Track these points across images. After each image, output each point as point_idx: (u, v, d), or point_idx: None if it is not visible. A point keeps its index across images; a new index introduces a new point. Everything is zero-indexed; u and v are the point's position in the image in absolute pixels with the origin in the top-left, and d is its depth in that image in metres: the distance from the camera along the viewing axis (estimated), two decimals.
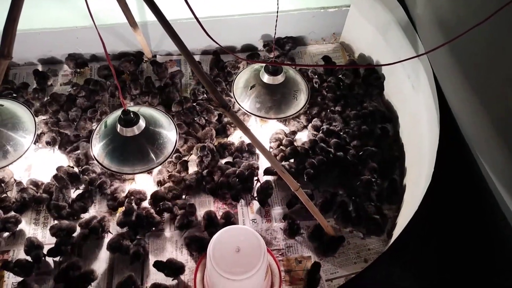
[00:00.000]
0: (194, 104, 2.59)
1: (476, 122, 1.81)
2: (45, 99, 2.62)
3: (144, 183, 2.40)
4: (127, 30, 2.54)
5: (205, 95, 2.66)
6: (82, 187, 2.35)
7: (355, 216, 2.21)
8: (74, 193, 2.32)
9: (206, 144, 2.42)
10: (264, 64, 2.25)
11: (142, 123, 1.98)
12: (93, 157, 2.01)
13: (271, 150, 2.52)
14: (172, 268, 2.06)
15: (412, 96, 2.37)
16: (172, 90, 2.67)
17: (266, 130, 2.62)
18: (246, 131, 1.63)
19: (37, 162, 2.45)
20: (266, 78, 2.21)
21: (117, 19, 2.54)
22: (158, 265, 2.06)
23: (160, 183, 2.38)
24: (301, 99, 2.28)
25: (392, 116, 2.61)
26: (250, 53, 2.92)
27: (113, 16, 2.53)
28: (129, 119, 1.94)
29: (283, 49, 2.91)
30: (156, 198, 2.28)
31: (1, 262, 2.06)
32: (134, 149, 2.01)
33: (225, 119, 2.59)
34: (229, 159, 2.49)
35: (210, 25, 2.45)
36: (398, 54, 2.50)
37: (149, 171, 2.40)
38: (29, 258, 2.07)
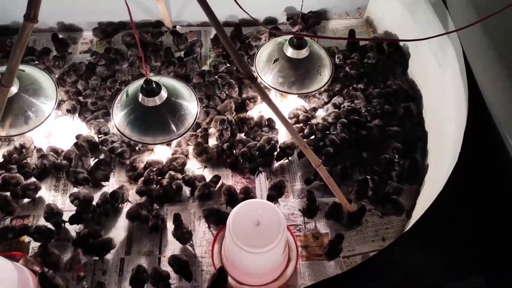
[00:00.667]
0: (216, 77, 2.54)
1: (506, 102, 1.76)
2: (65, 66, 2.60)
3: (163, 154, 2.39)
4: None
5: (226, 68, 2.61)
6: (101, 156, 2.35)
7: (374, 195, 2.19)
8: (92, 162, 2.32)
9: (225, 117, 2.40)
10: (288, 38, 2.20)
11: (164, 94, 1.96)
12: (115, 126, 2.01)
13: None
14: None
15: (437, 75, 2.31)
16: (192, 61, 2.64)
17: (286, 106, 2.58)
18: (270, 103, 1.60)
19: (57, 129, 2.45)
20: (290, 52, 2.17)
21: None
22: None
23: (173, 159, 2.36)
24: (325, 75, 2.24)
25: (416, 95, 2.55)
26: (272, 26, 2.85)
27: None
28: (151, 89, 1.92)
29: (306, 24, 2.85)
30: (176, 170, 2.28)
31: (21, 227, 2.08)
32: (155, 119, 1.99)
33: (245, 95, 2.55)
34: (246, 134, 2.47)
35: None
36: (425, 31, 2.42)
37: (168, 143, 2.39)
38: (49, 225, 2.09)
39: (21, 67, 2.12)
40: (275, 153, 2.33)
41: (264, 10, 2.89)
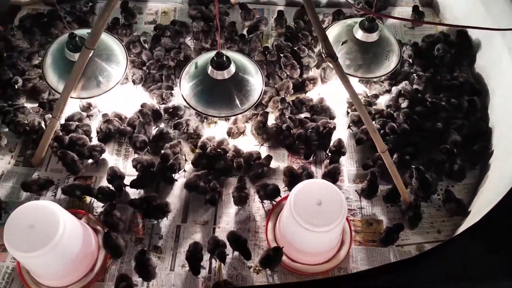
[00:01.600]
0: (282, 55, 2.54)
1: None
2: (131, 35, 2.65)
3: (220, 130, 2.42)
4: None
5: (291, 49, 2.60)
6: (162, 125, 2.40)
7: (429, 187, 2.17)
8: (154, 130, 2.37)
9: (285, 97, 2.40)
10: (358, 20, 2.17)
11: (232, 68, 1.98)
12: (182, 96, 2.04)
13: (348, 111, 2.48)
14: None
15: (511, 71, 2.23)
16: (255, 39, 2.64)
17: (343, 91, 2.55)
18: (347, 84, 1.59)
19: (120, 96, 2.50)
20: (360, 34, 2.14)
21: None
22: None
23: (230, 133, 2.39)
24: (393, 61, 2.20)
25: (482, 89, 2.48)
26: (337, 9, 2.81)
27: None
28: (221, 62, 1.94)
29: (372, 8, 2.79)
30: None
31: (86, 186, 2.17)
32: (222, 93, 2.02)
33: (305, 75, 2.54)
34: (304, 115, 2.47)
35: None
36: (498, 23, 2.34)
37: (227, 118, 2.41)
38: (111, 187, 2.17)
39: None
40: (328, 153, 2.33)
41: None
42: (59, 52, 2.10)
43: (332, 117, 2.43)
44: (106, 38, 2.22)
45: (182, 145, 2.32)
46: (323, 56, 1.63)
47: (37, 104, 2.45)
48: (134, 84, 2.49)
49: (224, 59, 1.94)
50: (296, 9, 2.80)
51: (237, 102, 2.04)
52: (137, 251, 2.02)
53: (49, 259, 1.74)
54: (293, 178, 2.17)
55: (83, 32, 2.09)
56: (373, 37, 2.13)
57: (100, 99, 2.42)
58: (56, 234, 1.68)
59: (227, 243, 2.02)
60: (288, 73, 2.53)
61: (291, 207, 1.76)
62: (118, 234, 2.02)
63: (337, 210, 1.75)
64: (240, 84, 2.04)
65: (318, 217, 1.73)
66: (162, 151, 2.25)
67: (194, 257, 1.97)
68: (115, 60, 2.16)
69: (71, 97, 1.98)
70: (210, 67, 1.96)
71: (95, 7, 2.83)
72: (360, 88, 2.55)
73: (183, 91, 2.06)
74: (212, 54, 2.03)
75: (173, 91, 2.47)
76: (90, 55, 2.03)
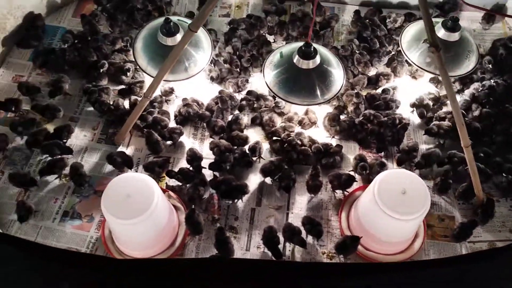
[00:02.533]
0: (357, 52, 2.60)
1: None
2: (206, 27, 2.76)
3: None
4: None
5: (363, 47, 2.66)
6: (236, 112, 2.49)
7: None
8: (230, 117, 2.46)
9: (359, 92, 2.46)
10: (439, 20, 2.22)
11: (317, 59, 2.06)
12: (266, 83, 2.12)
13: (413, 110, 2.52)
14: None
15: None
16: (327, 34, 2.71)
17: (416, 88, 2.60)
18: (445, 75, 1.64)
19: (196, 82, 2.60)
20: (441, 33, 2.19)
21: None
22: None
23: (301, 123, 2.46)
24: (472, 61, 2.24)
25: None
26: (407, 11, 2.85)
27: None
28: (308, 52, 2.02)
29: (441, 10, 2.83)
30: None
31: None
32: (305, 82, 2.10)
33: (379, 71, 2.59)
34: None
35: None
36: None
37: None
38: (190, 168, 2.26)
39: (185, 20, 2.28)
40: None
41: None
42: (150, 36, 2.22)
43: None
44: None
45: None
46: (427, 46, 1.68)
47: (117, 87, 2.56)
48: (212, 81, 2.57)
49: (312, 49, 2.02)
50: (368, 9, 2.85)
51: (318, 92, 2.12)
52: (214, 229, 2.10)
53: (142, 228, 1.84)
54: (362, 161, 2.25)
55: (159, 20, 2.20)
56: (455, 36, 2.17)
57: (178, 85, 2.54)
58: (151, 204, 1.78)
59: (302, 228, 2.09)
60: (360, 70, 2.58)
61: (375, 195, 1.81)
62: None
63: (422, 199, 1.79)
64: (323, 75, 2.11)
65: (403, 206, 1.78)
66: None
67: (272, 242, 2.04)
68: (202, 47, 2.27)
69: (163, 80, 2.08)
70: (296, 56, 2.04)
71: None
72: (429, 87, 2.59)
73: (267, 78, 2.15)
74: (297, 44, 2.12)
75: (248, 79, 2.55)
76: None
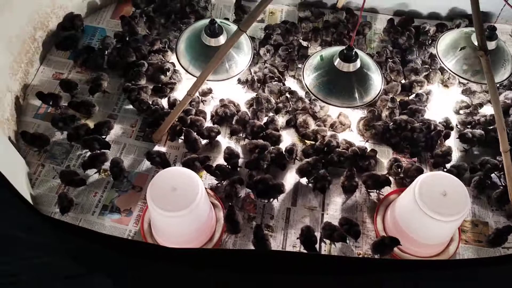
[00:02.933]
0: (390, 60, 2.66)
1: None
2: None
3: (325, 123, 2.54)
4: None
5: (396, 56, 2.72)
6: (270, 114, 2.54)
7: None
8: (264, 118, 2.51)
9: (394, 97, 2.50)
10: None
11: (358, 63, 2.10)
12: (305, 85, 2.17)
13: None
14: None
15: None
16: (360, 41, 2.77)
17: (446, 97, 2.65)
18: (491, 79, 1.68)
19: (231, 85, 2.66)
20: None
21: None
22: None
23: (333, 126, 2.50)
24: (507, 70, 2.27)
25: None
26: (439, 22, 2.91)
27: None
28: (350, 55, 2.07)
29: (471, 22, 2.87)
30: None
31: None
32: (345, 84, 2.14)
33: (413, 78, 2.63)
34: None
35: None
36: None
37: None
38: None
39: (228, 22, 2.35)
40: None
41: (428, 6, 2.98)
42: (194, 37, 2.27)
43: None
44: (234, 29, 2.39)
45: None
46: (476, 49, 1.73)
47: (152, 86, 2.62)
48: (243, 85, 2.64)
49: (353, 53, 2.07)
50: (400, 18, 2.91)
51: (357, 95, 2.16)
52: (250, 227, 2.14)
53: (186, 221, 1.88)
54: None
55: (206, 21, 2.26)
56: (492, 45, 2.22)
57: (215, 86, 2.60)
58: (197, 197, 1.82)
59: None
60: (393, 78, 2.63)
61: (416, 196, 1.84)
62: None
63: (463, 201, 1.82)
64: (363, 79, 2.15)
65: (444, 207, 1.81)
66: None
67: (309, 241, 2.07)
68: (242, 49, 2.32)
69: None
70: (338, 59, 2.09)
71: (209, 4, 3.01)
72: (460, 96, 2.64)
73: (306, 80, 2.19)
74: (336, 48, 2.17)
75: (284, 83, 2.61)
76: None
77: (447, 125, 2.47)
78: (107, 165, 2.34)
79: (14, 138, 2.40)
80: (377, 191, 2.28)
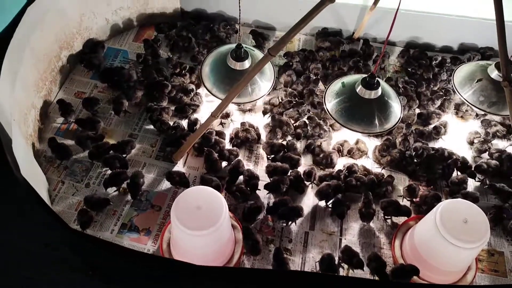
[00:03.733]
0: (401, 86, 2.74)
1: None
2: None
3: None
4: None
5: (409, 85, 2.79)
6: (287, 138, 2.58)
7: None
8: (283, 141, 2.56)
9: (410, 123, 2.56)
10: (491, 62, 2.34)
11: (379, 90, 2.15)
12: (327, 110, 2.22)
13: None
14: None
15: None
16: (378, 71, 2.84)
17: (461, 130, 2.71)
18: None
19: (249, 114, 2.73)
20: (494, 74, 2.30)
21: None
22: None
23: (350, 152, 2.55)
24: None
25: None
26: (452, 55, 3.00)
27: None
28: (372, 83, 2.13)
29: (482, 56, 2.97)
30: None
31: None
32: (366, 111, 2.19)
33: (431, 109, 2.69)
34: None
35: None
36: None
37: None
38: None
39: (253, 48, 2.42)
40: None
41: (440, 39, 3.09)
42: (219, 61, 2.34)
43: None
44: (260, 55, 2.46)
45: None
46: (501, 80, 1.80)
47: (174, 107, 2.68)
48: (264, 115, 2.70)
49: (375, 80, 2.13)
50: (414, 50, 3.00)
51: (377, 122, 2.21)
52: (269, 250, 2.15)
53: (208, 240, 1.89)
54: (412, 192, 2.34)
55: (231, 46, 2.35)
56: (511, 80, 2.28)
57: (234, 111, 2.67)
58: (221, 216, 1.84)
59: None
60: (408, 105, 2.70)
61: (437, 223, 1.87)
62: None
63: (483, 229, 1.85)
64: (383, 107, 2.20)
65: (465, 234, 1.83)
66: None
67: (331, 269, 2.08)
68: (265, 74, 2.38)
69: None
70: (360, 86, 2.15)
71: (230, 29, 3.10)
72: (474, 127, 2.71)
73: (328, 106, 2.25)
74: (358, 76, 2.24)
75: (300, 110, 2.66)
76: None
77: (465, 164, 2.50)
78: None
79: (36, 155, 2.43)
80: (392, 217, 2.31)
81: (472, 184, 2.48)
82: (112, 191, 2.36)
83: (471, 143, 2.62)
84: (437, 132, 2.59)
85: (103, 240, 2.02)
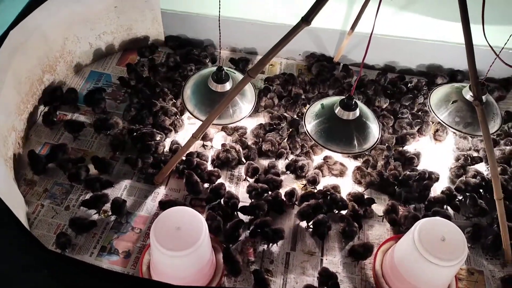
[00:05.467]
0: (384, 112, 2.81)
1: None
2: None
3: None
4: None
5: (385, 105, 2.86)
6: (273, 159, 2.61)
7: None
8: (265, 162, 2.59)
9: (390, 145, 2.61)
10: (466, 84, 2.42)
11: (357, 112, 2.20)
12: (306, 132, 2.25)
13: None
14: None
15: None
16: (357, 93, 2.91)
17: (438, 149, 2.77)
18: (486, 129, 1.79)
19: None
20: (469, 96, 2.37)
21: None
22: None
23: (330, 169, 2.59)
24: (497, 123, 2.39)
25: None
26: (427, 80, 3.08)
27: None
28: (349, 104, 2.17)
29: (451, 79, 3.07)
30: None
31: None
32: (345, 132, 2.22)
33: (405, 131, 2.75)
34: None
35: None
36: None
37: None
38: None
39: (234, 71, 2.47)
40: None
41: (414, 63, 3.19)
42: (201, 83, 2.37)
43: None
44: (240, 77, 2.50)
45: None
46: (472, 100, 1.86)
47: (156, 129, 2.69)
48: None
49: (353, 102, 2.18)
50: (392, 75, 3.09)
51: (355, 143, 2.24)
52: (250, 271, 2.15)
53: (188, 261, 1.87)
54: (393, 211, 2.38)
55: (212, 69, 2.38)
56: (482, 99, 2.35)
57: (215, 133, 2.69)
58: (200, 237, 1.83)
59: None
60: (386, 130, 2.76)
61: (416, 241, 1.88)
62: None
63: (461, 246, 1.86)
64: (362, 127, 2.25)
65: (443, 252, 1.84)
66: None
67: None
68: (246, 96, 2.42)
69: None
70: (338, 107, 2.19)
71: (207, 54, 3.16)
72: (450, 148, 2.76)
73: (308, 127, 2.28)
74: (336, 98, 2.29)
75: (283, 135, 2.70)
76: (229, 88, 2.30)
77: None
78: (106, 206, 2.35)
79: (15, 177, 2.42)
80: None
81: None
82: (92, 213, 2.34)
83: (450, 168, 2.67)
84: (411, 163, 2.63)
85: (82, 262, 1.99)
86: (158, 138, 2.60)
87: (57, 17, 2.64)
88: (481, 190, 2.50)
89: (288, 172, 2.57)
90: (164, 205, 2.32)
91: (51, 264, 1.68)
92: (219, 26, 2.11)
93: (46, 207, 2.37)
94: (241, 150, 2.60)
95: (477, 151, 2.75)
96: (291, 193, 2.38)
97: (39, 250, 1.67)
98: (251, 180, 2.51)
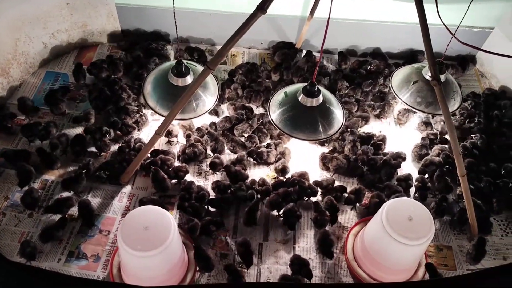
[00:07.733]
0: (348, 96, 2.82)
1: None
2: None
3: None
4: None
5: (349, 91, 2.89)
6: (240, 152, 2.59)
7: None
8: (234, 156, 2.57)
9: (355, 131, 2.62)
10: (425, 64, 2.45)
11: (320, 98, 2.19)
12: (271, 121, 2.24)
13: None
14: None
15: None
16: (320, 79, 2.91)
17: (402, 131, 2.82)
18: (445, 108, 1.82)
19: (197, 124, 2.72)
20: (428, 75, 2.39)
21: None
22: None
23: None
24: (457, 101, 2.44)
25: None
26: (385, 62, 3.12)
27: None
28: (312, 91, 2.16)
29: (413, 59, 3.11)
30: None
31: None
32: (309, 119, 2.22)
33: (359, 113, 2.79)
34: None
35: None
36: None
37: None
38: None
39: (195, 63, 2.42)
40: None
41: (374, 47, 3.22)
42: (161, 78, 2.32)
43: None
44: (200, 69, 2.46)
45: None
46: (430, 80, 1.88)
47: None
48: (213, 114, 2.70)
49: (316, 88, 2.17)
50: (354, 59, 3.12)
51: (321, 129, 2.24)
52: (224, 264, 2.13)
53: (157, 261, 1.84)
54: (358, 195, 2.41)
55: (172, 62, 2.33)
56: (442, 78, 2.38)
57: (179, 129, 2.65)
58: (169, 236, 1.80)
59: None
60: (351, 112, 2.78)
61: (384, 222, 1.91)
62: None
63: (427, 225, 1.90)
64: (326, 113, 2.24)
65: (411, 231, 1.87)
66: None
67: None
68: (209, 89, 2.38)
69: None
70: (301, 95, 2.18)
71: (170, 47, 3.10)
72: (413, 132, 2.82)
73: (272, 116, 2.27)
74: (300, 85, 2.27)
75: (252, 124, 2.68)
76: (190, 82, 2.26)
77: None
78: (72, 210, 2.28)
79: None
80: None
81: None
82: (57, 218, 2.27)
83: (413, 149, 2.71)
84: (379, 149, 2.65)
85: (48, 271, 1.92)
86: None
87: (5, 18, 2.52)
88: (446, 167, 2.55)
89: (250, 158, 2.58)
90: (145, 204, 2.26)
91: (16, 277, 1.61)
92: (175, 19, 2.06)
93: (8, 216, 2.28)
94: (209, 141, 2.57)
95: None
96: (212, 164, 2.44)
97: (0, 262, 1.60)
98: (218, 174, 2.48)
